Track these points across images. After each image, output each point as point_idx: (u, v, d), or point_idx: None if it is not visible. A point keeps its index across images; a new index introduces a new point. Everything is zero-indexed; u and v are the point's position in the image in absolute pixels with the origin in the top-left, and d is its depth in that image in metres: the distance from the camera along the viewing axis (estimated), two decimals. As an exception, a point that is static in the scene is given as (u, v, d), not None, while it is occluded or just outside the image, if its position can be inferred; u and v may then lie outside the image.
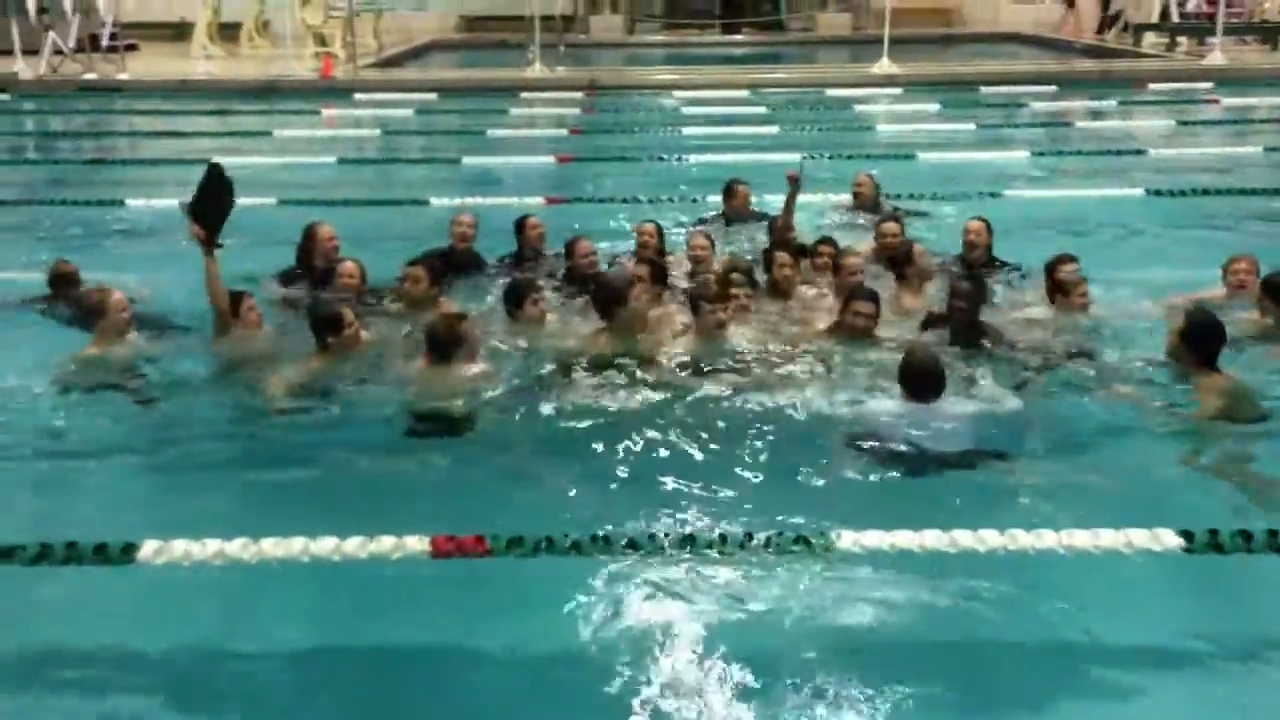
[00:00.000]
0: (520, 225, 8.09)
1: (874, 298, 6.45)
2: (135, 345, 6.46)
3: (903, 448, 5.38)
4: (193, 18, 23.53)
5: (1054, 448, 5.55)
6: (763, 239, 8.34)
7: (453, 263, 7.66)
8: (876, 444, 5.43)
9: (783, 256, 7.23)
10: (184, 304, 7.05)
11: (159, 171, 12.56)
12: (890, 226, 7.95)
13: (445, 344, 5.89)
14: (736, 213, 9.19)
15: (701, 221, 9.31)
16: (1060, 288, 6.77)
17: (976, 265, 7.61)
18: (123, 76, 19.73)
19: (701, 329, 6.44)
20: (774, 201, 9.61)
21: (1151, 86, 18.47)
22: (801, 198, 8.29)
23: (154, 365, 6.38)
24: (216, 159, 6.48)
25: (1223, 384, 5.67)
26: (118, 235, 10.01)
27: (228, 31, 23.51)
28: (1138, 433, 5.67)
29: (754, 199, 9.86)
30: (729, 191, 9.27)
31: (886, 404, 5.60)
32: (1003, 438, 5.53)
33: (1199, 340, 5.74)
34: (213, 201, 6.14)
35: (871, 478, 5.25)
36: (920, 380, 5.49)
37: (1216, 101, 17.02)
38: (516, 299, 6.53)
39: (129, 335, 6.44)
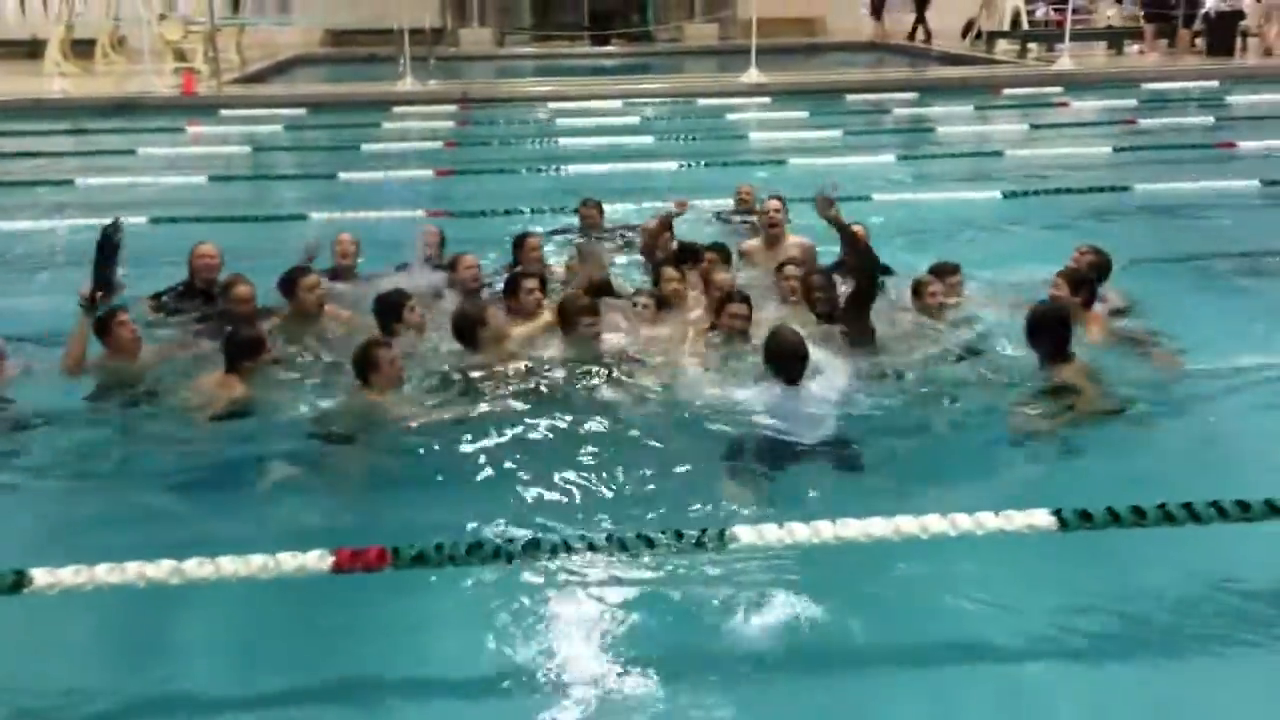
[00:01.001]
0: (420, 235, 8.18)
1: (747, 300, 6.67)
2: (5, 375, 6.22)
3: (779, 434, 5.57)
4: (45, 34, 22.73)
5: (921, 436, 5.80)
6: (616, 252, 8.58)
7: (338, 280, 7.63)
8: (755, 433, 5.62)
9: (670, 271, 7.37)
10: (54, 326, 6.86)
11: (17, 194, 12.13)
12: (773, 204, 8.31)
13: (359, 366, 5.85)
14: (590, 227, 9.43)
15: (556, 233, 9.43)
16: (915, 289, 7.02)
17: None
18: (-28, 96, 18.97)
19: (577, 339, 6.53)
20: (650, 209, 9.87)
21: (1006, 91, 19.24)
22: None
23: (27, 391, 6.17)
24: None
25: (1077, 370, 5.98)
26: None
27: (81, 48, 22.76)
28: (999, 420, 5.92)
29: (633, 207, 10.09)
30: (580, 211, 9.55)
31: (758, 392, 5.80)
32: (871, 427, 5.76)
33: (1040, 334, 6.04)
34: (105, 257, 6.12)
35: (754, 469, 5.43)
36: (786, 359, 5.72)
37: (1067, 104, 17.84)
38: (394, 311, 6.50)
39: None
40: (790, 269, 7.38)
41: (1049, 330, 6.03)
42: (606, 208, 9.77)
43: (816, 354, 5.95)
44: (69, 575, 4.10)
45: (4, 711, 3.97)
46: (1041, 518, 4.51)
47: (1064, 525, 4.50)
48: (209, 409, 5.85)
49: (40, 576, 4.11)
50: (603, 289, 7.24)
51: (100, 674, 4.17)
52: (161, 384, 6.21)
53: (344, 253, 7.84)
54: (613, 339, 6.66)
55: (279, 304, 7.02)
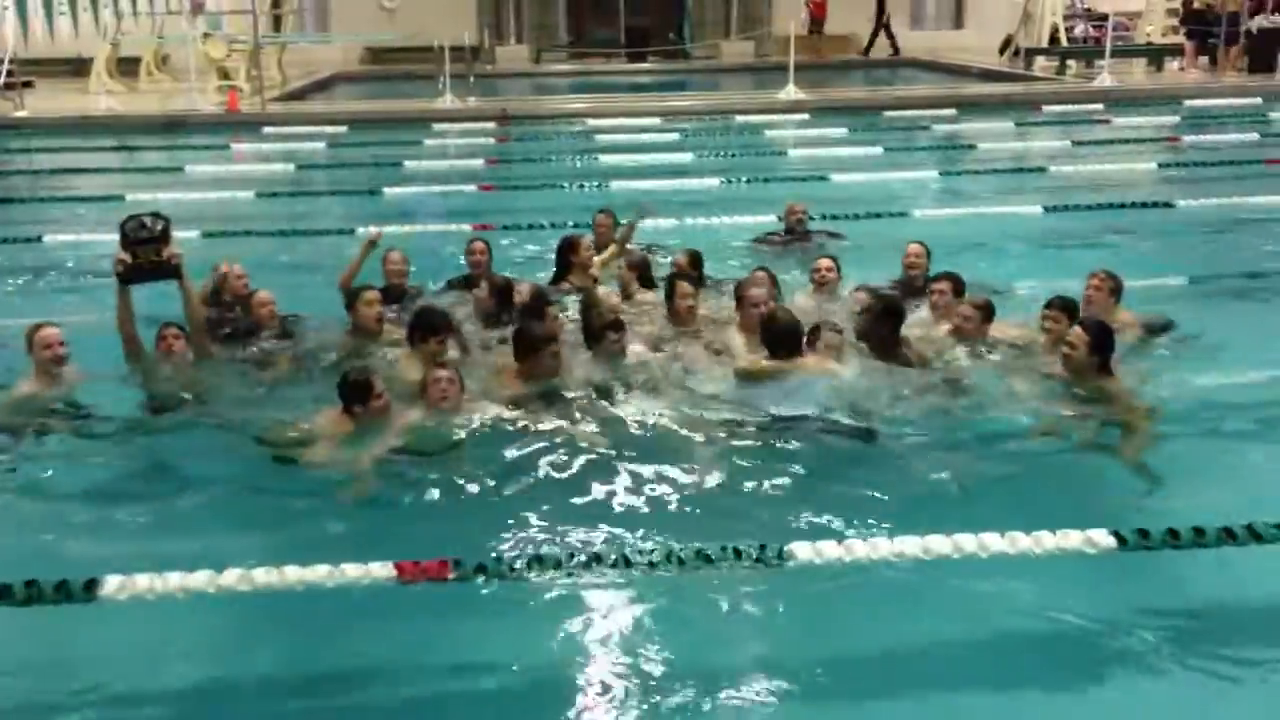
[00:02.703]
0: (467, 250, 8.23)
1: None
2: (69, 381, 6.33)
3: (785, 411, 5.90)
4: (90, 53, 23.07)
5: (964, 451, 5.80)
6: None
7: (391, 297, 7.71)
8: (762, 414, 5.94)
9: (684, 286, 7.27)
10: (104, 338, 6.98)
11: (68, 209, 12.32)
12: (825, 263, 7.91)
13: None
14: (602, 238, 9.25)
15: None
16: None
17: (916, 286, 7.76)
18: (21, 114, 19.26)
19: (604, 354, 6.51)
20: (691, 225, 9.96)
21: (1046, 108, 19.19)
22: (728, 220, 8.49)
23: (92, 399, 6.28)
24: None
25: (1121, 387, 6.00)
26: (32, 272, 9.81)
27: (126, 66, 23.10)
28: (1034, 439, 5.92)
29: (674, 222, 10.19)
30: (595, 219, 9.40)
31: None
32: (907, 446, 5.79)
33: (1104, 347, 6.01)
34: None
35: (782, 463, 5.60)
36: (779, 333, 6.14)
37: (1109, 121, 17.77)
38: (434, 334, 6.43)
39: (63, 371, 6.29)
40: (861, 294, 7.27)
41: (1110, 344, 6.02)
42: (648, 223, 9.84)
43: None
44: (142, 583, 4.19)
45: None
46: (1100, 537, 4.52)
47: (1123, 544, 4.51)
48: (321, 445, 5.78)
49: (111, 583, 4.20)
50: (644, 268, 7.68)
51: (161, 680, 4.19)
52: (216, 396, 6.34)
53: (397, 271, 7.91)
54: (639, 350, 6.67)
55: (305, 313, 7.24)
